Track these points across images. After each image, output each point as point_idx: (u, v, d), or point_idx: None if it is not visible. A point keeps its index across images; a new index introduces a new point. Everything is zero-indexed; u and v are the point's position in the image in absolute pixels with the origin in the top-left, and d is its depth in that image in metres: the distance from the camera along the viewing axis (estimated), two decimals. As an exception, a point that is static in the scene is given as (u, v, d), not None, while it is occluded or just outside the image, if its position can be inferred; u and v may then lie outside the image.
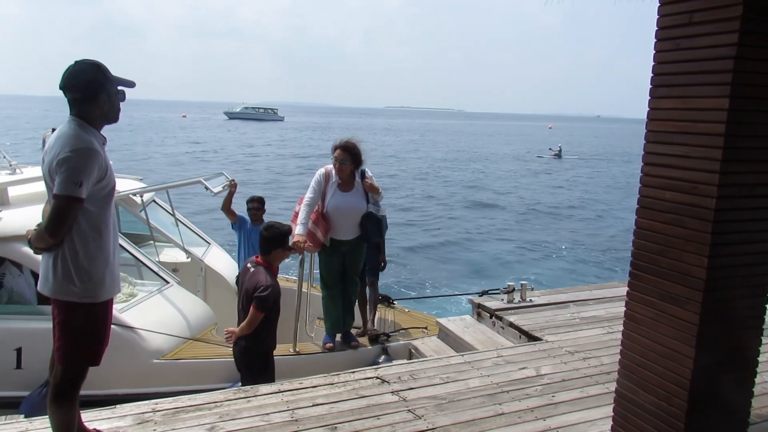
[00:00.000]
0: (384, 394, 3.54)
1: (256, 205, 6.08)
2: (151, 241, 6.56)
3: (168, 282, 5.63)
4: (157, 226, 6.65)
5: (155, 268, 5.70)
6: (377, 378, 3.74)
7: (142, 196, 6.34)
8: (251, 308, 3.99)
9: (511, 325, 4.85)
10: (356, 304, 5.18)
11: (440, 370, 3.92)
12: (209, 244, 7.09)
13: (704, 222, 2.41)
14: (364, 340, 5.09)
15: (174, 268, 6.33)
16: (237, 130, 73.75)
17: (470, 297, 5.54)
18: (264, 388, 3.58)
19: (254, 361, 4.15)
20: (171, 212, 6.86)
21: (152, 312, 5.07)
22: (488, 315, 5.12)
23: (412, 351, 5.02)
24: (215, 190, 5.97)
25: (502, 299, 5.32)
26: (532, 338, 4.59)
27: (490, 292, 5.51)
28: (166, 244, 6.99)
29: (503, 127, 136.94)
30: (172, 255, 6.88)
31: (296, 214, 4.85)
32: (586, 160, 50.81)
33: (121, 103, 2.72)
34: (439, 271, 14.52)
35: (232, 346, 4.19)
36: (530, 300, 5.34)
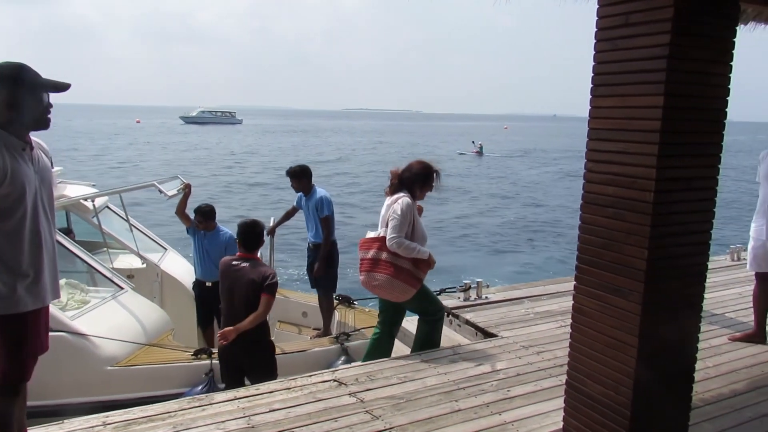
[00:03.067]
0: (341, 396, 3.54)
1: (200, 218, 5.99)
2: (105, 248, 6.43)
3: (122, 288, 5.53)
4: (111, 232, 6.51)
5: (109, 275, 5.59)
6: (334, 380, 3.74)
7: (93, 202, 6.20)
8: (265, 296, 4.14)
9: (467, 322, 4.91)
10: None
11: (398, 370, 3.94)
12: (166, 249, 6.98)
13: (643, 215, 2.49)
14: (324, 341, 5.09)
15: (129, 275, 6.22)
16: (192, 134, 72.69)
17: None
18: (219, 396, 3.53)
19: (266, 352, 4.32)
20: (125, 218, 6.74)
21: (105, 318, 4.98)
22: (445, 313, 5.17)
23: (370, 352, 5.03)
24: (169, 194, 5.88)
25: (459, 297, 5.39)
26: (487, 335, 4.67)
27: (447, 290, 5.57)
28: (120, 251, 6.86)
29: (459, 128, 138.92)
30: (127, 261, 6.76)
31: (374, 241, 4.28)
32: (508, 157, 52.07)
33: (55, 108, 2.62)
34: None
35: (224, 346, 4.19)
36: (486, 297, 5.42)
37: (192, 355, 5.00)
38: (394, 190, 4.34)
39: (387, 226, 4.20)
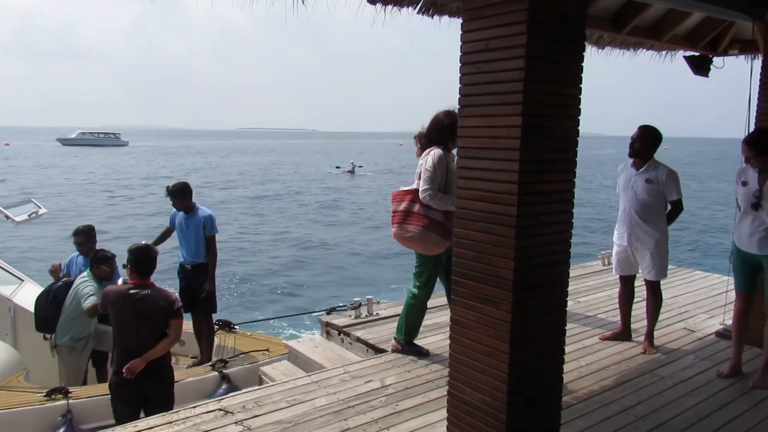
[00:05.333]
0: (227, 426, 3.43)
1: (81, 239, 5.63)
2: None
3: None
4: None
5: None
6: (220, 410, 3.62)
7: None
8: (175, 321, 4.13)
9: (358, 340, 4.94)
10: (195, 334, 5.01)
11: (286, 393, 3.89)
12: (22, 281, 6.40)
13: (509, 228, 2.64)
14: (199, 369, 4.91)
15: None
16: (71, 157, 68.17)
17: (319, 316, 5.56)
18: (94, 436, 3.31)
19: (169, 380, 4.27)
20: None
21: None
22: (337, 332, 5.18)
23: (262, 377, 4.92)
24: (17, 219, 5.44)
25: (350, 315, 5.41)
26: (378, 351, 4.72)
27: (337, 308, 5.58)
28: None
29: (353, 146, 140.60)
30: None
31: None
32: (381, 174, 53.11)
33: None
34: (297, 289, 14.57)
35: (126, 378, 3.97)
36: (377, 313, 5.48)
37: (45, 396, 4.63)
38: (423, 148, 4.38)
39: (419, 178, 4.21)
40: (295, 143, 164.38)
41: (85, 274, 5.27)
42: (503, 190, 2.65)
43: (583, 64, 2.76)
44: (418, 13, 4.26)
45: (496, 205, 2.69)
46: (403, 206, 4.27)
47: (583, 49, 2.77)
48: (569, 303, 5.84)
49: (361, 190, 40.88)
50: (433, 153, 4.23)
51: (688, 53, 5.92)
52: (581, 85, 2.78)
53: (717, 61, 5.96)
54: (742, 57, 5.98)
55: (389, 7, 4.10)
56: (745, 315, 4.22)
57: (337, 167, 55.35)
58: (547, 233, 2.76)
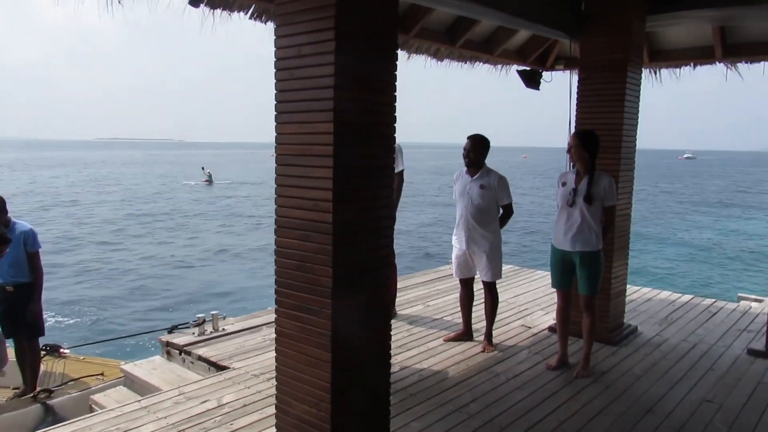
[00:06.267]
0: (36, 464, 3.10)
1: None
2: None
3: None
4: None
5: None
6: (30, 446, 3.27)
7: None
8: None
9: (200, 358, 4.71)
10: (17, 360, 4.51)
11: (111, 422, 3.59)
12: None
13: (326, 236, 2.61)
14: (23, 401, 4.43)
15: None
16: None
17: (159, 336, 5.24)
18: None
19: None
20: None
21: None
22: (177, 352, 4.90)
23: (93, 405, 4.53)
24: None
25: (194, 333, 5.15)
26: (220, 368, 4.52)
27: (179, 326, 5.29)
28: None
29: (220, 156, 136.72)
30: None
31: None
32: (239, 185, 52.02)
33: None
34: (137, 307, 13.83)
35: None
36: (223, 329, 5.27)
37: None
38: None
39: None
40: (157, 154, 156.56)
41: None
42: (319, 197, 2.63)
43: (396, 72, 2.82)
44: (251, 18, 4.17)
45: (313, 212, 2.65)
46: None
47: (396, 58, 2.82)
48: (419, 307, 6.05)
49: (219, 200, 39.81)
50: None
51: (521, 67, 6.34)
52: (396, 93, 2.83)
53: (546, 75, 6.44)
54: (568, 72, 6.51)
55: (218, 11, 3.98)
56: (566, 311, 4.54)
57: (203, 168, 53.44)
58: (367, 240, 2.77)
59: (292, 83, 2.68)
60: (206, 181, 50.62)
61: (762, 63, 5.50)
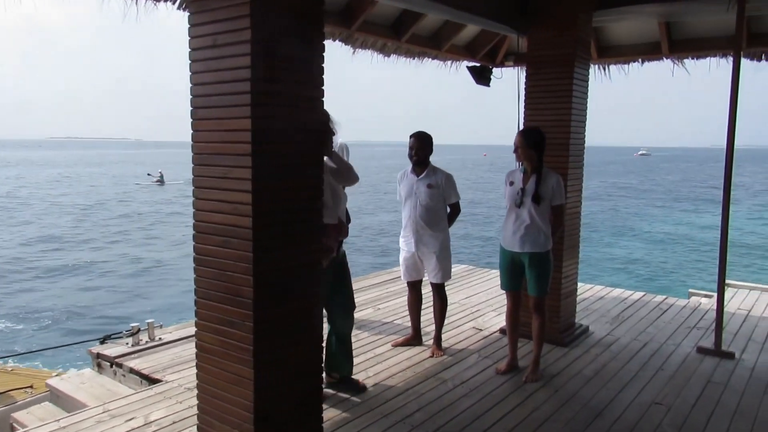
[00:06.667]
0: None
1: None
2: None
3: None
4: None
5: None
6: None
7: None
8: None
9: (131, 371, 4.42)
10: None
11: (24, 445, 3.30)
12: None
13: (246, 242, 2.41)
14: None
15: None
16: None
17: (90, 347, 4.91)
18: None
19: None
20: None
21: None
22: (109, 364, 4.60)
23: (14, 424, 4.20)
24: None
25: (127, 343, 4.85)
26: (152, 381, 4.24)
27: (112, 336, 4.98)
28: None
29: (175, 156, 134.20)
30: None
31: None
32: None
33: None
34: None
35: None
36: (160, 338, 4.98)
37: None
38: None
39: None
40: (111, 153, 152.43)
41: None
42: (238, 200, 2.42)
43: (323, 65, 2.62)
44: (179, 8, 3.90)
45: (233, 216, 2.44)
46: None
47: (323, 48, 2.63)
48: (369, 311, 5.86)
49: (168, 201, 38.91)
50: None
51: (471, 64, 6.21)
52: (323, 87, 2.64)
53: (497, 71, 6.32)
54: (519, 68, 6.40)
55: (142, 1, 3.70)
56: (516, 313, 4.42)
57: (149, 174, 52.40)
58: (292, 244, 2.57)
59: (208, 76, 2.47)
60: (157, 181, 49.64)
61: (708, 59, 5.49)
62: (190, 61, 2.52)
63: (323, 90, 2.63)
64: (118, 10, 3.61)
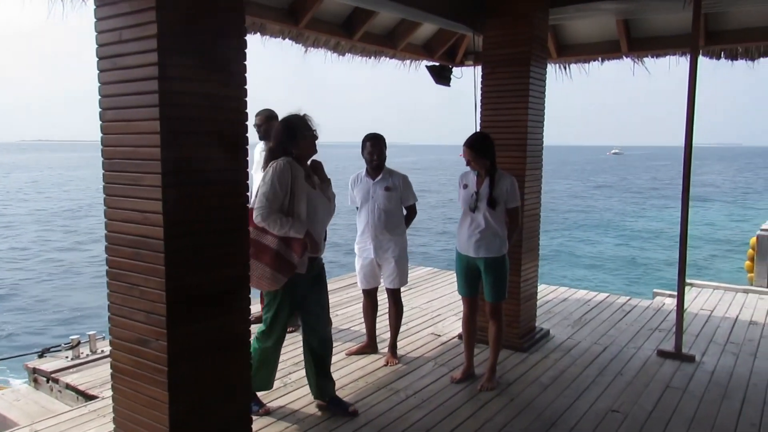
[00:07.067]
0: None
1: None
2: None
3: None
4: None
5: None
6: None
7: None
8: None
9: (68, 386, 4.18)
10: None
11: (-64, 473, 3.06)
12: None
13: (158, 254, 2.22)
14: None
15: None
16: None
17: (27, 361, 4.66)
18: None
19: None
20: None
21: None
22: (45, 379, 4.36)
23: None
24: None
25: (67, 356, 4.61)
26: (89, 398, 4.02)
27: (51, 349, 4.73)
28: None
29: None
30: None
31: None
32: None
33: None
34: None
35: None
36: (102, 351, 4.74)
37: None
38: (266, 162, 3.50)
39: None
40: (84, 156, 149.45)
41: None
42: (149, 209, 2.22)
43: (246, 62, 2.44)
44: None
45: (143, 227, 2.25)
46: None
47: (245, 44, 2.44)
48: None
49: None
50: (276, 165, 3.43)
51: (430, 63, 6.06)
52: (246, 86, 2.45)
53: (456, 71, 6.19)
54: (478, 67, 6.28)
55: (67, -4, 3.47)
56: (472, 319, 4.28)
57: None
58: (212, 257, 2.39)
59: (115, 74, 2.27)
60: None
61: (667, 57, 5.42)
62: (97, 59, 2.32)
63: (246, 89, 2.45)
64: (42, 8, 3.38)
